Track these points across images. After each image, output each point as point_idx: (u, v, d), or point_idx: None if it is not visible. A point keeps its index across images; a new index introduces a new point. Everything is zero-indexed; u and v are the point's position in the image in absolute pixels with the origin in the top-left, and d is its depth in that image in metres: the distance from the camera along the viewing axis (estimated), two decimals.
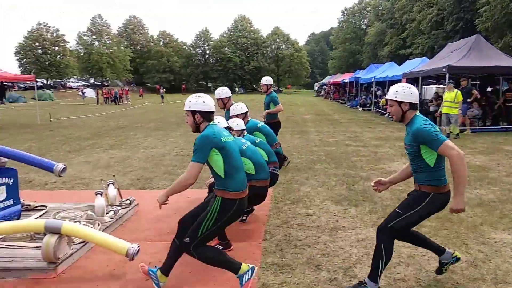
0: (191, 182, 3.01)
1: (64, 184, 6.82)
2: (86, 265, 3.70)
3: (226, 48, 76.14)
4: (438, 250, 3.30)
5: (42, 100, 38.87)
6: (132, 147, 10.72)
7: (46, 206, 5.02)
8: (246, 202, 3.22)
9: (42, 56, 60.14)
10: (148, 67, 74.01)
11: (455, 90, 11.67)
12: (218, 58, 76.57)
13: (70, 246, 3.75)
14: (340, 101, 35.39)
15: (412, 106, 3.00)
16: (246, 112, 5.58)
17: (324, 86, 52.50)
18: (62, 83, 62.02)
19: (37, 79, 25.63)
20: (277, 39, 79.66)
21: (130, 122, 18.30)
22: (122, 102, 38.54)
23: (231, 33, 77.77)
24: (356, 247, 4.01)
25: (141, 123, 17.78)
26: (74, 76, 70.23)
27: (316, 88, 64.59)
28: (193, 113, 3.14)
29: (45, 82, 59.28)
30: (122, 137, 12.90)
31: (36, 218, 4.44)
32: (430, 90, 19.95)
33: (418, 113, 3.05)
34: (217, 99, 6.36)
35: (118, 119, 20.17)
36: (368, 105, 25.12)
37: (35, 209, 4.95)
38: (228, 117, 5.91)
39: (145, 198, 5.77)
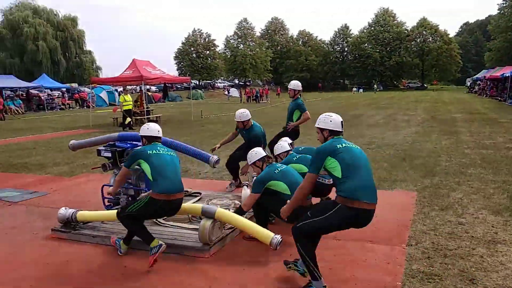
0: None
1: (214, 175, 7.54)
2: (235, 250, 4.03)
3: (366, 44, 73.51)
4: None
5: (195, 99, 43.52)
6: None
7: (200, 193, 5.63)
8: (172, 204, 3.78)
9: (196, 60, 67.40)
10: (287, 66, 76.29)
11: None
12: (356, 55, 74.49)
13: (221, 230, 4.14)
14: (499, 98, 30.91)
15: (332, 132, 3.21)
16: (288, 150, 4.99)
17: (478, 82, 46.56)
18: (211, 83, 68.39)
19: (191, 81, 28.95)
20: (424, 32, 73.49)
21: (269, 119, 19.16)
22: (262, 101, 40.59)
23: (372, 28, 74.74)
24: None
25: (279, 120, 18.47)
26: (221, 77, 76.72)
27: (468, 83, 57.71)
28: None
29: (197, 83, 66.21)
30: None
31: (193, 203, 5.02)
32: None
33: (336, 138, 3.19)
34: (238, 121, 6.39)
35: (258, 116, 21.32)
36: None
37: (191, 195, 5.60)
38: (247, 137, 6.38)
39: None
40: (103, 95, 36.85)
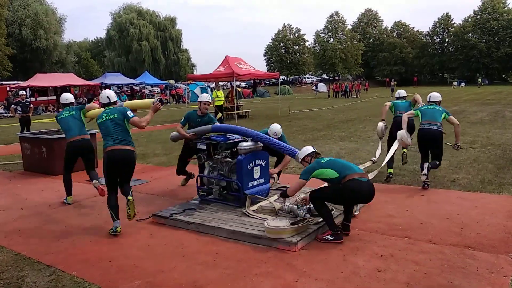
0: None
1: (300, 170, 7.53)
2: (322, 245, 4.01)
3: (470, 34, 67.03)
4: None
5: (283, 95, 43.86)
6: (362, 139, 10.88)
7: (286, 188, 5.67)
8: (115, 154, 4.53)
9: (285, 55, 67.75)
10: (379, 60, 72.94)
11: None
12: (459, 46, 68.20)
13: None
14: None
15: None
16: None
17: None
18: (299, 79, 68.28)
19: (280, 76, 29.44)
20: None
21: (359, 115, 18.58)
22: (352, 95, 39.42)
23: (478, 16, 67.89)
24: None
25: (369, 116, 17.81)
26: (309, 72, 76.11)
27: None
28: None
29: (285, 78, 66.59)
30: (352, 129, 13.26)
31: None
32: None
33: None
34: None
35: (347, 112, 20.81)
36: None
37: (277, 189, 5.68)
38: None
39: (376, 190, 5.77)
40: (197, 91, 38.88)
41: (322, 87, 51.96)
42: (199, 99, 6.27)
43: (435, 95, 6.47)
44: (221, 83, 21.98)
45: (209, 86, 38.45)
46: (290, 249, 3.89)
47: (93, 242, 4.35)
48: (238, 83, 38.55)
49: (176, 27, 56.08)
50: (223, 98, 17.62)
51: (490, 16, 66.14)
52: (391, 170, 6.64)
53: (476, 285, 3.13)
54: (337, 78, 67.90)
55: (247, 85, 49.27)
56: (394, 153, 6.32)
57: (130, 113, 4.70)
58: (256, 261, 3.70)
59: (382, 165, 6.18)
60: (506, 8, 66.96)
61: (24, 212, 5.50)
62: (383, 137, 7.00)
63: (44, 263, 3.84)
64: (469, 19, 69.16)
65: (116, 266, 3.73)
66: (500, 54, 64.34)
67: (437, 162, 5.94)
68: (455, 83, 57.26)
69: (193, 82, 36.82)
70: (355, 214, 4.69)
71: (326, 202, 4.20)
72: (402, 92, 7.38)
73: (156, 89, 40.30)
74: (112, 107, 4.90)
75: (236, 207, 4.93)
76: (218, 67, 19.45)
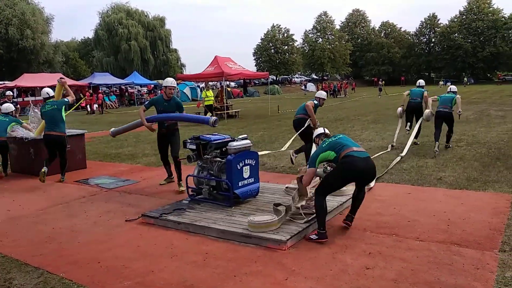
0: None
1: (290, 169, 7.59)
2: (311, 244, 4.05)
3: (456, 34, 67.95)
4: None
5: (272, 94, 43.94)
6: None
7: None
8: (48, 137, 7.07)
9: (274, 55, 67.86)
10: (367, 59, 73.53)
11: None
12: (445, 46, 69.11)
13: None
14: None
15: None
16: None
17: None
18: (288, 78, 68.46)
19: (269, 76, 29.46)
20: None
21: (347, 114, 18.71)
22: (340, 95, 39.66)
23: (464, 16, 68.85)
24: None
25: (358, 115, 17.95)
26: (298, 72, 76.37)
27: None
28: None
29: (274, 78, 66.69)
30: (341, 128, 13.35)
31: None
32: None
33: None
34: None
35: (336, 111, 20.94)
36: None
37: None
38: None
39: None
40: (187, 91, 38.82)
41: (311, 86, 52.18)
42: (164, 84, 6.47)
43: (453, 87, 9.41)
44: (210, 83, 21.94)
45: (198, 86, 38.37)
46: (279, 248, 3.91)
47: (81, 243, 4.32)
48: (227, 83, 38.53)
49: (165, 27, 55.80)
50: (212, 98, 17.62)
51: (475, 17, 67.16)
52: (415, 140, 9.25)
53: (462, 281, 3.19)
54: (325, 77, 68.25)
55: (236, 85, 49.27)
56: (419, 127, 9.18)
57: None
58: (245, 260, 3.72)
59: (411, 139, 8.82)
60: (491, 9, 68.06)
61: (11, 214, 5.44)
62: (402, 117, 9.57)
63: (32, 265, 3.80)
64: (455, 20, 70.14)
65: (105, 267, 3.72)
66: (485, 54, 65.40)
67: (451, 134, 8.85)
68: (441, 82, 58.00)
69: (183, 82, 36.72)
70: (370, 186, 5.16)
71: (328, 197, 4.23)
72: (421, 82, 9.98)
73: (145, 89, 40.06)
74: (52, 100, 7.11)
75: (226, 207, 4.95)
76: (207, 67, 19.43)
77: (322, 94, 7.78)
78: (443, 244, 3.90)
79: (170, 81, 6.40)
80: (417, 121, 9.23)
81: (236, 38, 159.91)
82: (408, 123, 9.43)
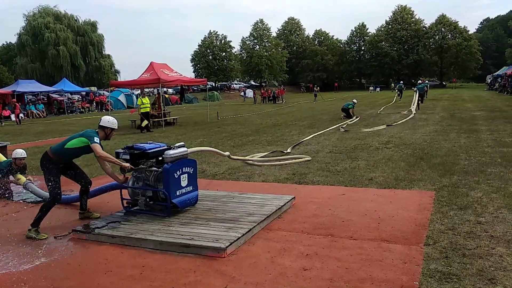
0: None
1: (230, 176, 7.59)
2: (250, 250, 4.07)
3: (383, 43, 72.56)
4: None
5: (211, 101, 43.77)
6: (288, 143, 11.21)
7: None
8: None
9: (212, 62, 67.80)
10: (303, 66, 75.98)
11: None
12: (373, 54, 73.52)
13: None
14: None
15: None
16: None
17: (499, 79, 45.46)
18: (227, 85, 68.68)
19: (208, 82, 29.26)
20: (442, 29, 72.18)
21: (285, 120, 19.15)
22: (278, 101, 40.52)
23: (389, 26, 73.75)
24: None
25: (295, 121, 18.45)
26: (237, 78, 76.92)
27: (488, 81, 56.36)
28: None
29: (213, 84, 66.55)
30: (279, 134, 13.62)
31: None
32: None
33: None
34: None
35: (274, 117, 21.35)
36: None
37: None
38: None
39: (300, 192, 6.01)
40: (122, 98, 37.46)
41: (250, 93, 52.74)
42: (13, 156, 6.53)
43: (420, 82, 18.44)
44: (146, 90, 21.36)
45: (133, 93, 37.20)
46: (219, 256, 3.88)
47: (4, 264, 3.97)
48: (165, 89, 37.79)
49: (97, 32, 53.48)
50: (148, 105, 17.15)
51: (400, 26, 72.23)
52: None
53: (391, 276, 3.38)
54: (264, 84, 69.41)
55: (175, 92, 48.43)
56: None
57: None
58: (184, 271, 3.65)
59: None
60: (413, 19, 73.64)
61: None
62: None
63: None
64: (382, 29, 74.98)
65: None
66: (409, 61, 70.61)
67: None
68: (371, 88, 61.58)
69: (117, 89, 35.40)
70: None
71: None
72: (420, 81, 15.64)
73: (76, 97, 38.03)
74: None
75: (164, 217, 4.82)
76: (143, 73, 18.91)
77: None
78: (374, 241, 4.10)
79: (19, 153, 6.57)
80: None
81: (173, 44, 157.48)
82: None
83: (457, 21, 71.76)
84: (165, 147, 5.20)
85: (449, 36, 71.82)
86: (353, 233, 4.37)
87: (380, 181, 6.55)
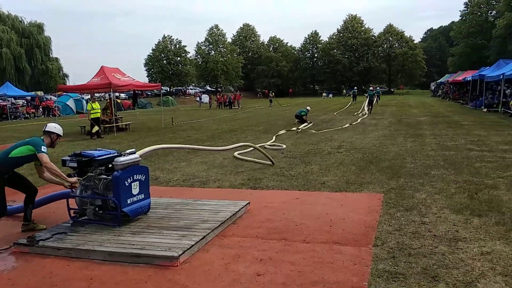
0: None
1: (185, 182, 7.48)
2: (204, 257, 4.02)
3: (335, 50, 75.00)
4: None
5: (166, 106, 43.03)
6: (243, 148, 11.23)
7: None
8: None
9: (167, 66, 66.81)
10: (258, 72, 76.75)
11: None
12: (326, 61, 75.81)
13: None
14: (461, 101, 32.23)
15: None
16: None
17: (442, 86, 48.36)
18: (183, 90, 67.88)
19: (162, 87, 28.76)
20: (390, 38, 75.81)
21: (241, 125, 19.21)
22: (234, 106, 40.60)
23: (341, 34, 76.35)
24: (480, 261, 3.65)
25: (251, 126, 18.55)
26: (193, 83, 76.29)
27: (432, 87, 59.78)
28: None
29: (168, 89, 65.52)
30: (234, 139, 13.61)
31: None
32: None
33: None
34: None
35: (230, 122, 21.35)
36: (494, 106, 22.44)
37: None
38: None
39: (255, 197, 6.03)
40: (70, 103, 35.94)
41: (206, 98, 52.43)
42: None
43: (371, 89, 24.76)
44: (97, 95, 20.62)
45: (83, 98, 35.82)
46: (171, 265, 3.80)
47: None
48: (117, 94, 36.68)
49: (44, 34, 51.05)
50: (99, 111, 16.55)
51: (351, 35, 75.03)
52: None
53: (342, 277, 3.47)
54: (219, 89, 69.32)
55: (127, 97, 47.16)
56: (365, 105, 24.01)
57: None
58: (135, 282, 3.54)
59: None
60: (363, 28, 76.72)
61: None
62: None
63: None
64: (334, 37, 77.49)
65: None
66: (360, 69, 73.47)
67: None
68: (324, 94, 63.31)
69: (65, 93, 33.94)
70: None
71: None
72: (371, 88, 16.63)
73: (20, 102, 35.99)
74: None
75: (114, 227, 4.66)
76: (93, 78, 18.26)
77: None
78: (326, 244, 4.20)
79: None
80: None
81: (125, 48, 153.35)
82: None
83: (404, 31, 75.83)
84: (116, 154, 5.04)
85: (396, 45, 75.63)
86: (306, 236, 4.44)
87: (332, 185, 6.72)
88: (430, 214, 5.00)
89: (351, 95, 39.53)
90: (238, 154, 9.72)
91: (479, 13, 68.33)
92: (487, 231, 4.36)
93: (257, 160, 8.96)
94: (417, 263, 3.66)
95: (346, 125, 16.69)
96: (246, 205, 5.48)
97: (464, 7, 70.54)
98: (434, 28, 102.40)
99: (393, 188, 6.32)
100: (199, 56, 72.94)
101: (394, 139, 12.04)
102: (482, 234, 4.28)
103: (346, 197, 6.00)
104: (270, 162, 8.58)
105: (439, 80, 56.41)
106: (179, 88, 68.33)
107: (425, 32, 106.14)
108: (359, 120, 19.14)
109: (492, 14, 66.08)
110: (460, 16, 70.88)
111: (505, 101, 20.89)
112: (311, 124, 17.81)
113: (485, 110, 22.73)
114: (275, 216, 5.19)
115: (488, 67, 29.83)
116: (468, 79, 30.33)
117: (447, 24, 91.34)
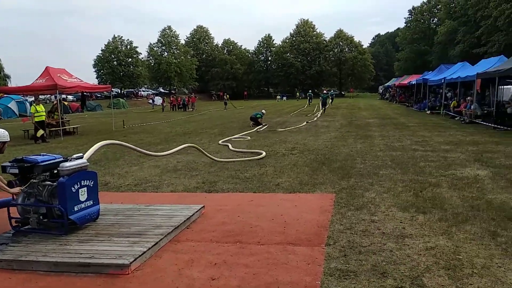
0: None
1: (137, 187, 7.27)
2: (156, 264, 3.92)
3: (288, 54, 76.34)
4: None
5: (117, 109, 41.70)
6: (197, 152, 11.10)
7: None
8: None
9: (117, 67, 64.76)
10: (213, 74, 76.43)
11: None
12: (279, 64, 76.98)
13: None
14: (406, 104, 33.92)
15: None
16: None
17: (389, 89, 50.62)
18: (135, 92, 66.13)
19: (112, 89, 27.84)
20: (340, 43, 78.37)
21: (195, 128, 19.01)
22: (188, 109, 40.11)
23: (294, 38, 77.84)
24: (425, 256, 3.83)
25: (205, 129, 18.40)
26: (145, 85, 74.54)
27: (380, 91, 62.45)
28: None
29: (119, 91, 63.57)
30: (189, 142, 13.43)
31: None
32: (508, 91, 18.43)
33: None
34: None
35: (184, 125, 21.07)
36: (437, 108, 23.82)
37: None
38: None
39: (210, 200, 5.98)
40: (13, 105, 33.89)
41: (159, 100, 51.43)
42: None
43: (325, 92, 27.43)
44: (42, 97, 19.54)
45: (26, 100, 33.90)
46: (122, 273, 3.67)
47: None
48: (64, 96, 35.10)
49: None
50: (44, 113, 15.73)
51: (303, 39, 76.72)
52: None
53: (296, 277, 3.51)
54: (173, 91, 68.26)
55: (75, 99, 45.24)
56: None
57: None
58: None
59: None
60: (315, 32, 78.70)
61: None
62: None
63: None
64: (287, 40, 78.84)
65: None
66: (312, 72, 75.30)
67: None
68: (278, 96, 64.21)
69: (7, 95, 31.95)
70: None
71: None
72: (325, 91, 17.41)
73: None
74: None
75: (60, 236, 4.42)
76: (37, 79, 17.31)
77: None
78: (280, 245, 4.23)
79: None
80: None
81: (73, 49, 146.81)
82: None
83: (353, 36, 78.71)
84: (61, 158, 4.80)
85: (346, 50, 78.33)
86: (261, 238, 4.46)
87: (286, 186, 6.81)
88: (379, 213, 5.19)
89: (308, 98, 42.37)
90: (222, 142, 11.93)
91: (422, 20, 72.48)
92: (431, 227, 4.60)
93: (247, 150, 10.38)
94: (367, 260, 3.79)
95: (304, 123, 17.89)
96: (200, 208, 5.41)
97: (409, 15, 74.56)
98: (381, 34, 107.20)
99: (344, 188, 6.51)
100: (151, 58, 71.45)
101: (345, 140, 12.42)
102: (426, 230, 4.51)
103: (299, 198, 6.10)
104: (260, 154, 9.78)
105: (386, 84, 59.03)
106: (130, 90, 66.57)
107: (373, 38, 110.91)
108: (314, 119, 20.46)
109: (434, 21, 70.29)
110: (405, 23, 74.86)
111: (447, 104, 22.23)
112: (266, 126, 17.97)
113: (428, 112, 24.04)
114: (230, 219, 5.16)
115: (431, 71, 31.64)
116: (413, 83, 32.01)
117: (393, 30, 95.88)
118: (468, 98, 18.58)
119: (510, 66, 13.68)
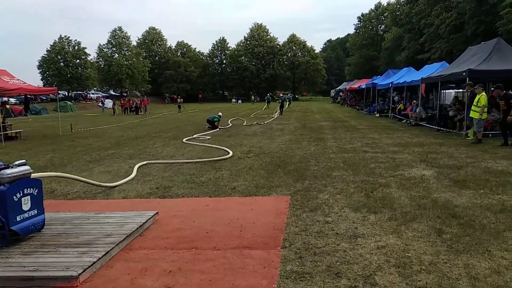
0: None
1: (86, 194, 6.96)
2: (107, 274, 3.75)
3: (243, 57, 76.67)
4: None
5: (64, 112, 39.83)
6: (151, 156, 10.85)
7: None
8: None
9: (64, 69, 61.87)
10: (166, 77, 75.11)
11: (481, 93, 11.57)
12: (234, 67, 77.13)
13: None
14: (357, 107, 35.16)
15: None
16: None
17: (341, 93, 52.27)
18: (83, 94, 63.52)
19: (59, 91, 26.50)
20: (293, 47, 79.87)
21: (148, 131, 18.55)
22: (141, 112, 39.10)
23: (248, 42, 78.32)
24: (376, 255, 3.96)
25: (159, 132, 18.01)
26: (94, 88, 71.84)
27: (332, 94, 64.34)
28: None
29: (66, 94, 60.79)
30: (141, 146, 13.09)
31: None
32: (449, 94, 19.65)
33: None
34: None
35: (136, 129, 20.50)
36: (385, 111, 24.87)
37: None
38: None
39: (164, 206, 5.84)
40: None
41: (109, 103, 49.74)
42: None
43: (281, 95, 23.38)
44: None
45: None
46: (70, 286, 3.48)
47: None
48: (6, 99, 33.07)
49: None
50: None
51: (257, 43, 77.42)
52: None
53: (253, 281, 3.49)
54: (125, 94, 66.31)
55: (18, 101, 42.70)
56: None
57: None
58: None
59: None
60: (268, 37, 79.65)
61: None
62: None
63: None
64: (241, 44, 79.21)
65: None
66: (267, 76, 76.13)
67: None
68: (233, 100, 64.30)
69: None
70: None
71: None
72: (282, 95, 17.21)
73: None
74: None
75: (1, 248, 4.12)
76: None
77: None
78: (236, 249, 4.20)
79: None
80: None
81: (15, 49, 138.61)
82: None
83: (305, 41, 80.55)
84: (2, 165, 4.48)
85: (299, 54, 79.98)
86: (217, 243, 4.40)
87: (242, 190, 6.79)
88: (332, 214, 5.31)
89: (266, 101, 44.48)
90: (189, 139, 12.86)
91: (370, 27, 75.58)
92: (382, 227, 4.76)
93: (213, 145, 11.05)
94: (322, 261, 3.85)
95: (268, 121, 19.30)
96: (154, 215, 5.26)
97: (358, 21, 77.48)
98: (332, 39, 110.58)
99: (299, 190, 6.60)
100: (101, 59, 69.01)
101: (299, 143, 12.63)
102: (377, 230, 4.66)
103: (255, 201, 6.10)
104: (228, 152, 10.33)
105: (338, 88, 60.95)
106: (79, 92, 63.88)
107: (325, 43, 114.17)
108: (271, 119, 22.07)
109: (382, 28, 73.53)
110: (355, 29, 77.72)
111: (394, 107, 23.28)
112: (222, 129, 17.90)
113: (377, 115, 25.06)
114: (185, 225, 5.06)
115: (379, 76, 33.03)
116: (363, 87, 33.24)
117: (343, 36, 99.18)
118: (414, 101, 19.58)
119: (451, 72, 14.56)
